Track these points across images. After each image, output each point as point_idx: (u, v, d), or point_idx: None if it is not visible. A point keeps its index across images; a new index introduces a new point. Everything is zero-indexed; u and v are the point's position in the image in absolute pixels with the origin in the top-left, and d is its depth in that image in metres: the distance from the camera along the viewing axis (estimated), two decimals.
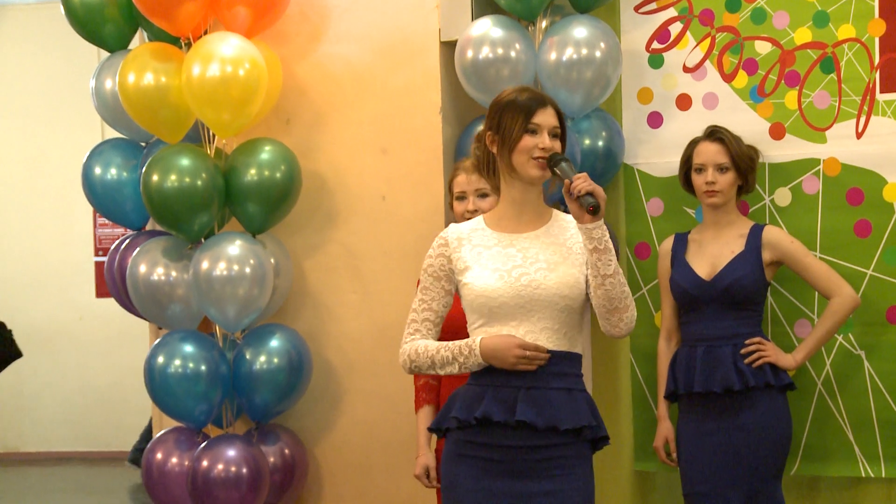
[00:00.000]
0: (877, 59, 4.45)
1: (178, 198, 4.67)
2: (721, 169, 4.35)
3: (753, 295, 4.31)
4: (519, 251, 3.35)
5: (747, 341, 4.28)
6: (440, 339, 3.47)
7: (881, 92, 4.44)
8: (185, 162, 4.69)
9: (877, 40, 4.45)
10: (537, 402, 3.28)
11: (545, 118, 3.33)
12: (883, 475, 4.44)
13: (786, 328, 4.55)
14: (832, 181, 4.50)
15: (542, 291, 3.29)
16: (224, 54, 4.63)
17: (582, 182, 3.20)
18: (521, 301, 3.29)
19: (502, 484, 3.31)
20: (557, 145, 3.33)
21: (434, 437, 4.10)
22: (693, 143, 4.43)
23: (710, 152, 4.35)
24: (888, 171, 4.42)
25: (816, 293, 4.46)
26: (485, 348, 3.29)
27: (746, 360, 4.26)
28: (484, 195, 4.00)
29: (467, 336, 3.40)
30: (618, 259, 4.52)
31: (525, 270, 3.31)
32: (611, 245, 3.23)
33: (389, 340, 4.82)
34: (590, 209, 3.18)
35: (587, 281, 3.32)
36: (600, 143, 4.65)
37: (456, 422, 3.35)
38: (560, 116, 3.37)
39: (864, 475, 4.46)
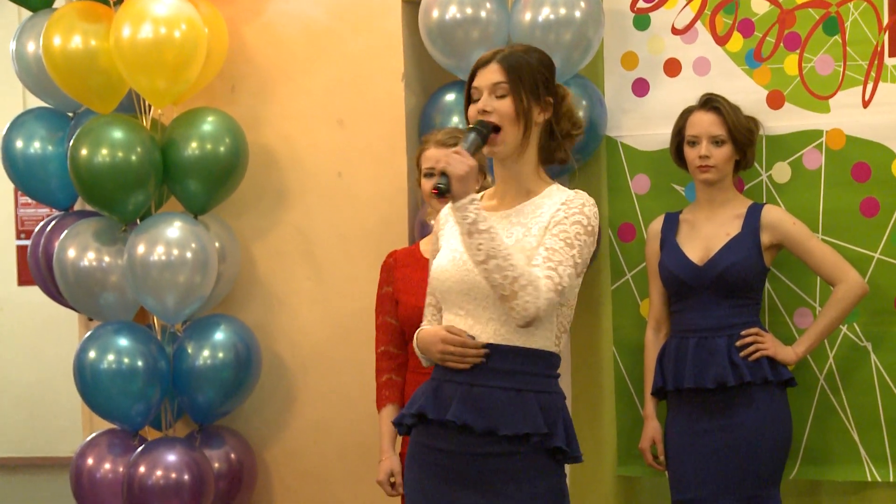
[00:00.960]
0: (885, 20, 4.41)
1: (111, 174, 4.63)
2: (716, 142, 4.30)
3: (751, 281, 4.26)
4: None
5: (743, 332, 4.23)
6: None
7: (890, 56, 4.40)
8: (117, 134, 4.66)
9: None
10: (477, 403, 3.17)
11: (484, 77, 3.22)
12: (891, 479, 4.40)
13: (784, 317, 4.50)
14: (836, 155, 4.45)
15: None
16: (157, 14, 4.61)
17: (444, 158, 3.09)
18: (464, 287, 3.20)
19: (448, 493, 3.22)
20: (503, 105, 3.18)
21: (399, 439, 4.12)
22: (686, 113, 4.38)
23: (705, 123, 4.30)
24: None
25: (818, 279, 4.43)
26: (419, 341, 3.30)
27: (742, 353, 4.21)
28: None
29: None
30: (599, 241, 4.52)
31: None
32: (481, 227, 3.07)
33: (347, 333, 4.91)
34: (433, 191, 3.08)
35: None
36: (580, 113, 4.52)
37: (409, 419, 3.29)
38: (510, 70, 3.20)
39: (870, 479, 4.43)
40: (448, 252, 3.26)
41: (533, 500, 3.18)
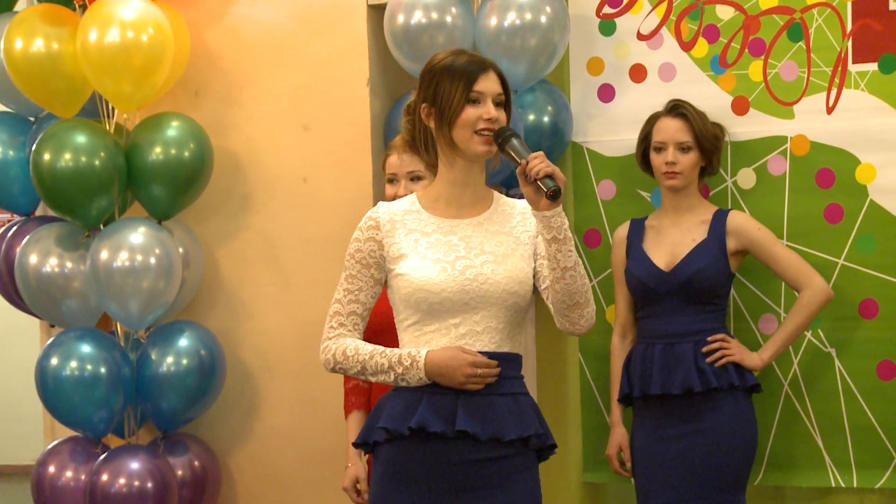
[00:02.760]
0: (849, 26, 4.43)
1: (74, 179, 4.62)
2: (683, 148, 4.32)
3: (717, 287, 4.29)
4: (461, 240, 3.26)
5: (709, 338, 4.26)
6: (365, 337, 3.39)
7: (854, 62, 4.43)
8: (81, 139, 4.65)
9: (849, 5, 4.42)
10: (479, 411, 3.19)
11: (488, 84, 3.22)
12: (854, 485, 4.43)
13: (749, 324, 4.53)
14: (800, 161, 4.49)
15: (490, 287, 3.20)
16: (124, 17, 4.60)
17: (540, 163, 3.08)
18: (465, 297, 3.20)
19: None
20: (503, 116, 3.23)
21: None
22: (653, 119, 4.40)
23: (671, 129, 4.33)
24: (861, 149, 4.41)
25: (783, 285, 4.46)
26: (430, 363, 3.17)
27: (709, 360, 4.24)
28: (417, 178, 3.95)
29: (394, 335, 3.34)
30: None
31: (470, 262, 3.22)
32: (570, 234, 3.14)
33: (312, 339, 4.72)
34: (550, 194, 3.07)
35: (534, 275, 3.27)
36: (546, 119, 4.60)
37: (385, 433, 3.24)
38: (504, 82, 3.28)
39: (834, 485, 4.46)
40: (430, 263, 3.22)
41: (524, 492, 3.24)
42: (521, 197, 3.30)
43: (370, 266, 3.30)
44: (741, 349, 4.28)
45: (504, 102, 3.26)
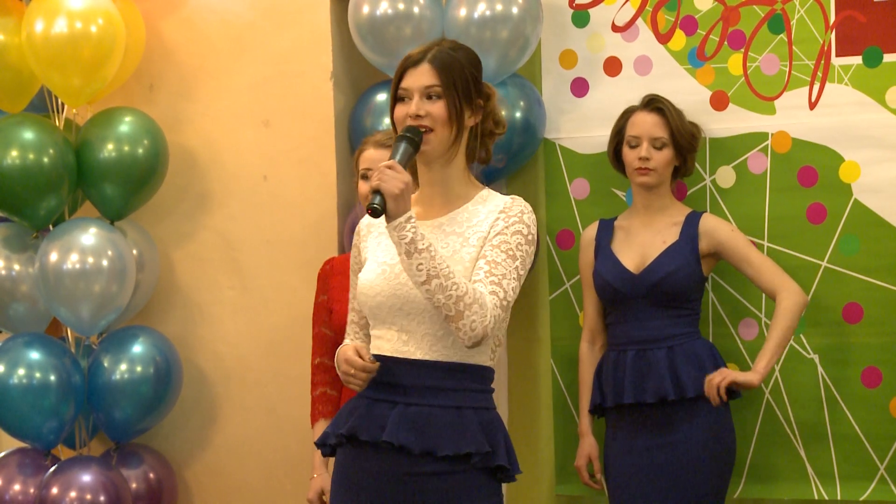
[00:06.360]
0: (832, 18, 4.44)
1: (21, 178, 4.62)
2: (658, 145, 4.31)
3: (688, 291, 4.27)
4: None
5: (708, 377, 4.17)
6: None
7: (837, 56, 4.45)
8: (28, 135, 4.65)
9: None
10: (414, 422, 3.15)
11: (414, 79, 3.18)
12: (838, 497, 4.43)
13: (729, 329, 4.52)
14: (782, 159, 4.48)
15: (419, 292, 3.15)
16: (72, 7, 4.59)
17: (377, 174, 3.04)
18: (397, 302, 3.17)
19: None
20: (435, 108, 3.16)
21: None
22: (628, 113, 4.40)
23: (647, 124, 4.32)
24: (845, 146, 4.42)
25: None
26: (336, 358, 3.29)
27: (711, 395, 4.14)
28: None
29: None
30: (538, 248, 4.52)
31: None
32: (419, 246, 3.03)
33: (274, 345, 4.90)
34: (368, 210, 3.03)
35: None
36: (518, 115, 4.59)
37: (334, 438, 3.26)
38: (443, 72, 3.18)
39: (817, 497, 4.46)
40: (376, 266, 3.23)
41: None
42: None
43: (356, 273, 3.35)
44: (734, 372, 4.20)
45: (444, 94, 3.18)
